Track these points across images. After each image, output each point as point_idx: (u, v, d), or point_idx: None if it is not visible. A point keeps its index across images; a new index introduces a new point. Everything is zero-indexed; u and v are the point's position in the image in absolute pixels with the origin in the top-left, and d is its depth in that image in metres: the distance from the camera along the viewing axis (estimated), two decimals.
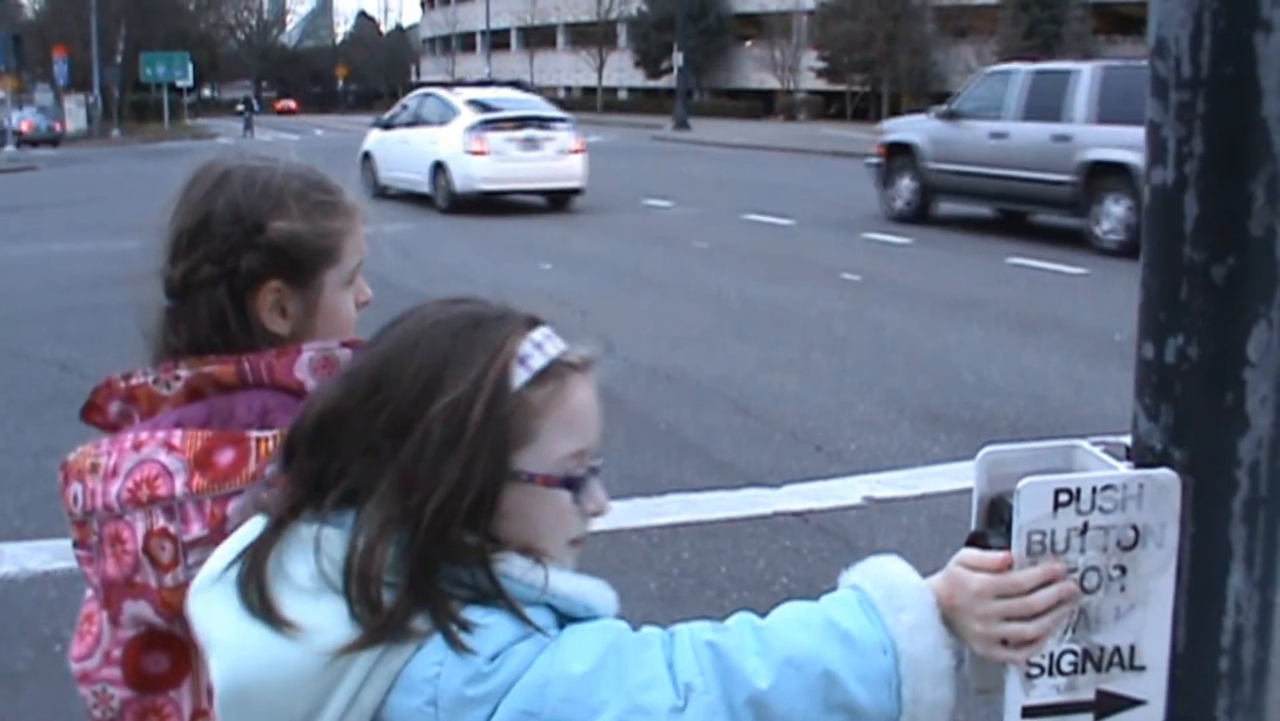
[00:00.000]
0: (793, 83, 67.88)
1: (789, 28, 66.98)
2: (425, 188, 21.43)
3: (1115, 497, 1.37)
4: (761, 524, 6.41)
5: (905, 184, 19.66)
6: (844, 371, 9.72)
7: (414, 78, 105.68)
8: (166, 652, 1.77)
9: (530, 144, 20.94)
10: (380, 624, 1.28)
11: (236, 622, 1.33)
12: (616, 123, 58.66)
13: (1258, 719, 1.43)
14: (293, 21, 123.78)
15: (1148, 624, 1.40)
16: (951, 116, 19.02)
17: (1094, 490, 1.37)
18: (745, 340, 10.91)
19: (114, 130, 62.50)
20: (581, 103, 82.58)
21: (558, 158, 21.16)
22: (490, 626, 1.30)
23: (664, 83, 71.11)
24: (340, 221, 1.88)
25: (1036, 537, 1.37)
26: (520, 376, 1.37)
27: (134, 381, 1.81)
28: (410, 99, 24.33)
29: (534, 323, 1.42)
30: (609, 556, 5.90)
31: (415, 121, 22.49)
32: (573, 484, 1.39)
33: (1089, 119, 16.29)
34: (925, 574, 1.44)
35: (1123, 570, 1.39)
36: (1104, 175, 15.83)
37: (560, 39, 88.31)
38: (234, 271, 1.80)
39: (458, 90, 24.17)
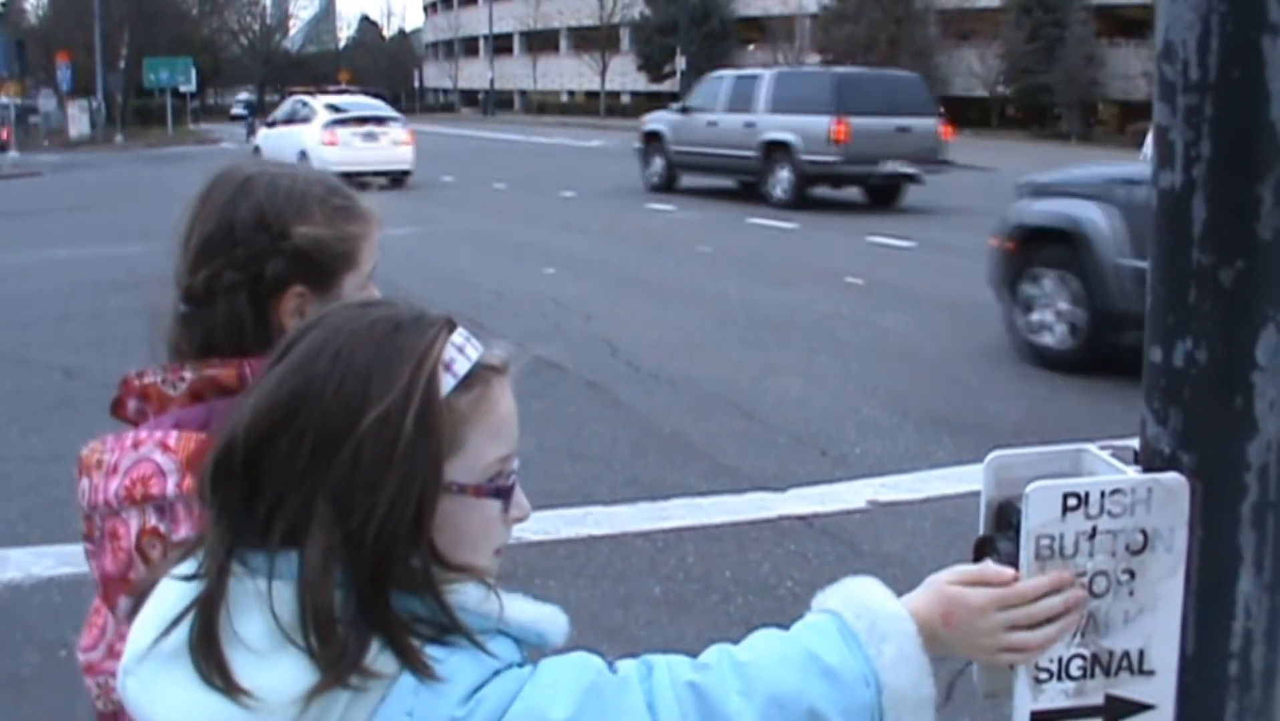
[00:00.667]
0: None
1: (792, 31, 66.89)
2: None
3: (1124, 502, 1.37)
4: (766, 528, 6.40)
5: (658, 162, 25.82)
6: (848, 375, 9.72)
7: (417, 82, 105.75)
8: None
9: (370, 136, 27.13)
10: (336, 658, 1.20)
11: (188, 698, 1.24)
12: (619, 126, 58.57)
13: None
14: (295, 26, 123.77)
15: (1157, 628, 1.40)
16: (685, 110, 25.31)
17: (1103, 494, 1.37)
18: (748, 344, 10.90)
19: (117, 135, 62.49)
20: (584, 106, 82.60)
21: (391, 147, 27.17)
22: (457, 665, 1.23)
23: (667, 86, 70.96)
24: (358, 226, 1.90)
25: (1045, 542, 1.37)
26: (448, 383, 1.30)
27: (146, 380, 1.82)
28: (286, 104, 31.20)
29: (451, 324, 1.35)
30: (614, 561, 5.90)
31: (289, 120, 28.97)
32: (502, 493, 1.35)
33: (767, 110, 22.83)
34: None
35: (1131, 574, 1.39)
36: (775, 150, 22.50)
37: (563, 43, 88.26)
38: (258, 277, 1.80)
39: (319, 96, 30.76)
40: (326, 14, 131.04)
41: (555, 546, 6.02)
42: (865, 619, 1.36)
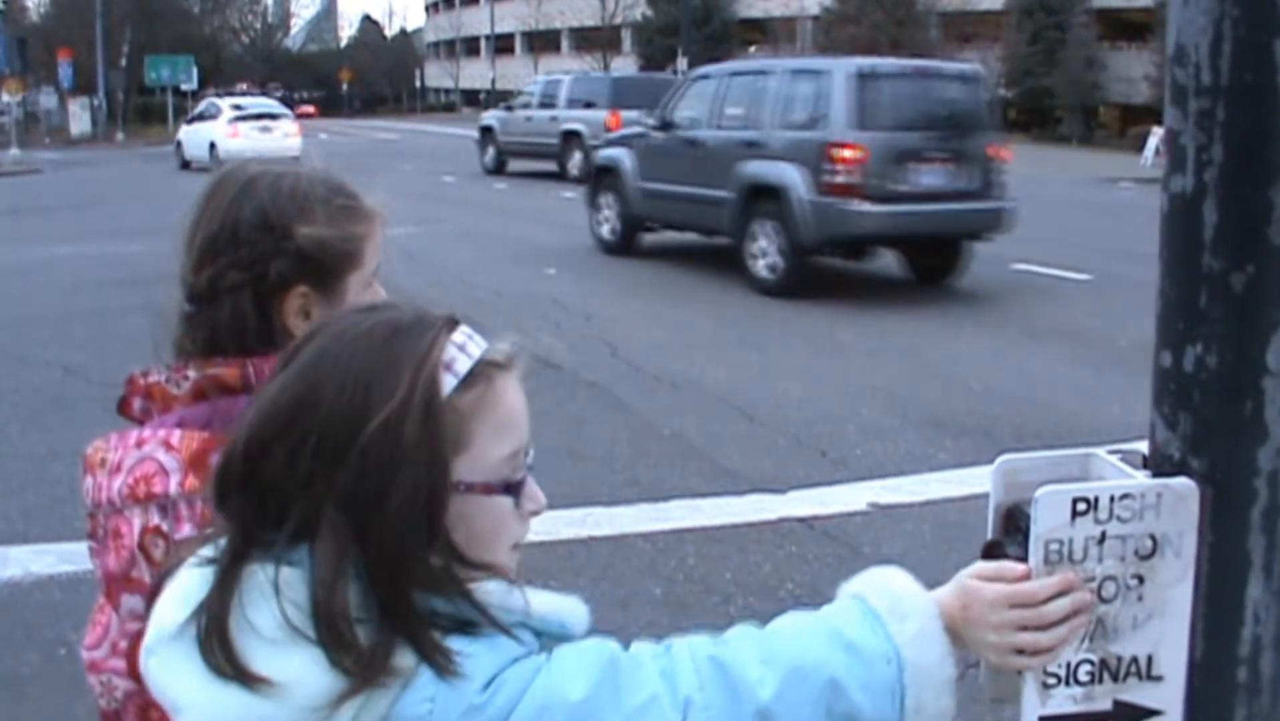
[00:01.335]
0: None
1: (793, 33, 66.91)
2: (207, 160, 31.65)
3: (1133, 506, 1.36)
4: (767, 530, 6.40)
5: (490, 150, 32.56)
6: (848, 378, 9.72)
7: (418, 82, 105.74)
8: None
9: (265, 130, 33.89)
10: (362, 664, 1.21)
11: (206, 684, 1.24)
12: None
13: None
14: (297, 25, 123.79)
15: (1165, 634, 1.39)
16: (509, 109, 32.51)
17: (1112, 499, 1.36)
18: (749, 346, 10.90)
19: (118, 133, 62.55)
20: None
21: (282, 138, 33.35)
22: (476, 654, 1.24)
23: None
24: (363, 226, 1.90)
25: (1054, 546, 1.36)
26: (449, 383, 1.30)
27: (150, 379, 1.83)
28: (200, 105, 38.94)
29: (453, 323, 1.35)
30: (614, 562, 5.90)
31: (202, 118, 36.06)
32: (512, 488, 1.35)
33: (567, 105, 28.88)
34: (929, 580, 1.43)
35: (1140, 579, 1.38)
36: (570, 138, 28.13)
37: (564, 43, 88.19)
38: (262, 277, 1.81)
39: (226, 99, 38.93)
40: (328, 13, 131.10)
41: (555, 547, 6.01)
42: (887, 599, 1.38)
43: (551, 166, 29.26)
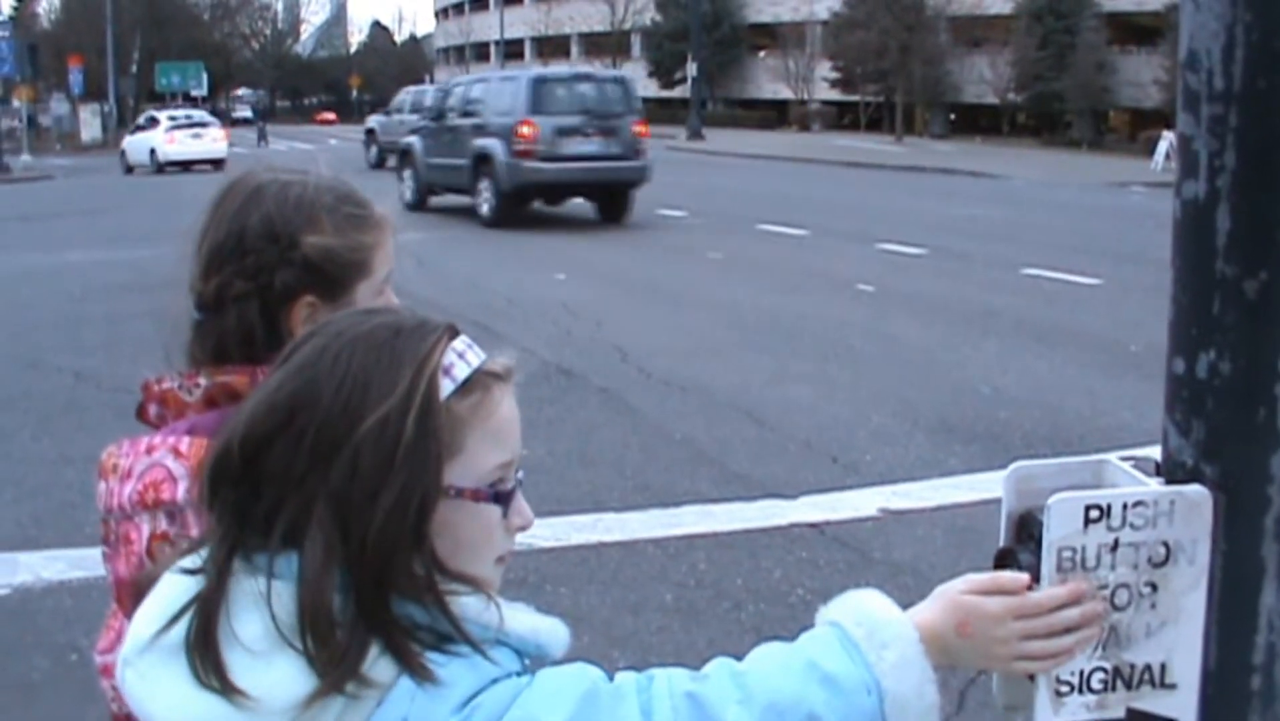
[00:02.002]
0: (807, 93, 67.85)
1: (803, 38, 66.95)
2: (149, 164, 39.10)
3: (1146, 514, 1.36)
4: (777, 535, 6.39)
5: (374, 149, 36.65)
6: (859, 383, 9.71)
7: (428, 87, 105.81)
8: None
9: (196, 136, 39.50)
10: (335, 662, 1.20)
11: (184, 695, 1.24)
12: None
13: None
14: (307, 31, 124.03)
15: (1179, 641, 1.39)
16: (388, 113, 38.05)
17: (1125, 506, 1.36)
18: (760, 351, 10.90)
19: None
20: None
21: (210, 143, 39.13)
22: (452, 672, 1.23)
23: (678, 93, 71.05)
24: (371, 234, 1.89)
25: (1067, 554, 1.36)
26: (446, 387, 1.30)
27: (164, 385, 1.84)
28: (141, 118, 45.11)
29: (454, 331, 1.36)
30: (625, 567, 5.90)
31: (143, 128, 41.53)
32: (502, 498, 1.34)
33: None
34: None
35: (1154, 587, 1.38)
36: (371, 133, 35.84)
37: (574, 49, 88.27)
38: (268, 287, 1.81)
39: (164, 111, 44.59)
40: (338, 19, 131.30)
41: (566, 552, 6.01)
42: (865, 626, 1.36)
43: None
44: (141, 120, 43.76)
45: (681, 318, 12.48)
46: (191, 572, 1.30)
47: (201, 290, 1.83)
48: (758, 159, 41.29)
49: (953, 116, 63.54)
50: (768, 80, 71.83)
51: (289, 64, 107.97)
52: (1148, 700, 1.40)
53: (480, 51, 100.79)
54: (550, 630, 1.35)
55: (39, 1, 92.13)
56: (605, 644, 4.96)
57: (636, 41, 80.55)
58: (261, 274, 1.80)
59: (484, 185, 20.76)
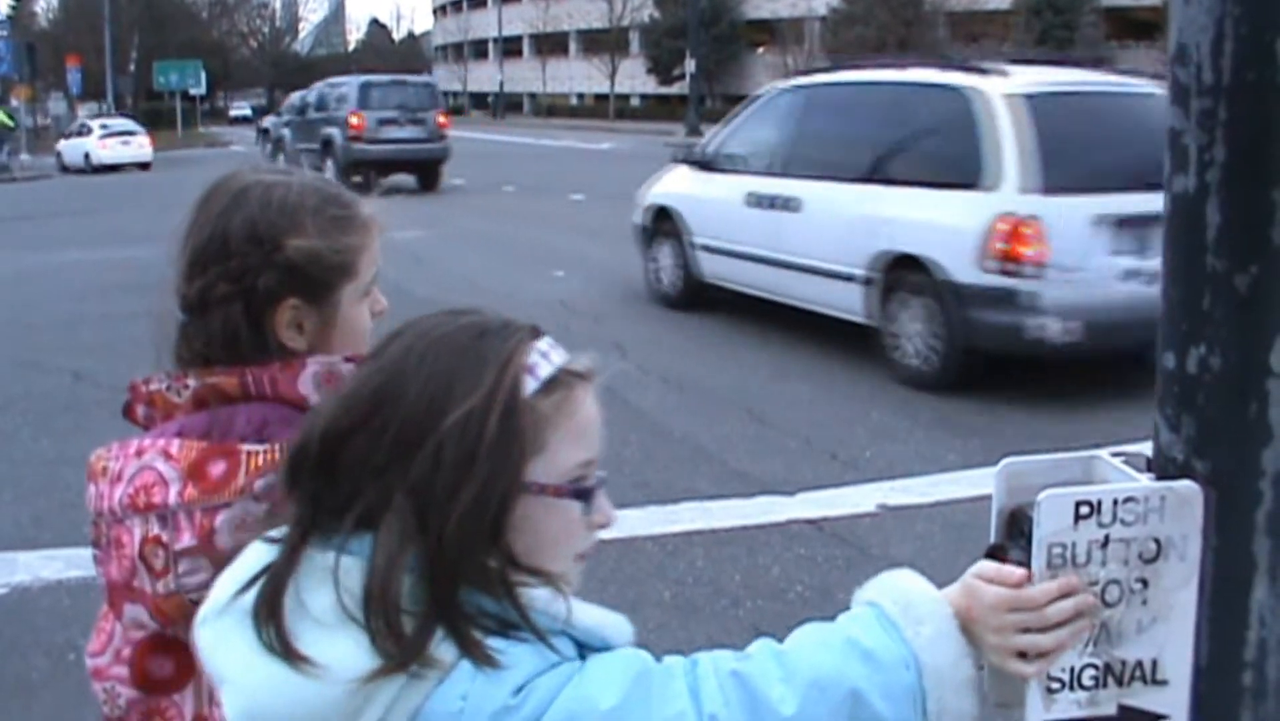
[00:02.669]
0: None
1: (801, 34, 66.91)
2: (84, 164, 42.11)
3: (1137, 510, 1.35)
4: (776, 532, 6.39)
5: (268, 147, 37.84)
6: (858, 379, 9.69)
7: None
8: (171, 656, 1.77)
9: (125, 142, 42.94)
10: (401, 651, 1.24)
11: (251, 658, 1.28)
12: (629, 129, 58.70)
13: None
14: (305, 29, 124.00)
15: (1170, 638, 1.39)
16: (279, 114, 38.64)
17: (1115, 502, 1.35)
18: (760, 347, 10.88)
19: None
20: (594, 109, 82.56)
21: (138, 148, 42.81)
22: (514, 656, 1.27)
23: (676, 89, 71.01)
24: (356, 236, 1.88)
25: (1057, 550, 1.35)
26: (530, 385, 1.34)
27: (152, 386, 1.83)
28: (75, 125, 48.11)
29: (537, 332, 1.40)
30: (623, 565, 5.89)
31: (78, 134, 44.64)
32: (583, 494, 1.37)
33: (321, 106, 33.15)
34: (940, 582, 1.43)
35: (1144, 583, 1.38)
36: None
37: (572, 46, 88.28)
38: (251, 290, 1.80)
39: (98, 119, 47.61)
40: (336, 17, 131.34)
41: None
42: (900, 604, 1.39)
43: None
44: (75, 126, 47.78)
45: (681, 315, 12.45)
46: (275, 542, 1.35)
47: (186, 292, 1.82)
48: None
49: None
50: (766, 76, 71.58)
51: (287, 62, 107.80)
52: (1139, 696, 1.40)
53: (478, 49, 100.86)
54: (616, 625, 1.38)
55: (37, 1, 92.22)
56: None
57: (635, 38, 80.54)
58: (245, 277, 1.79)
59: (329, 162, 27.10)
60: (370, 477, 1.30)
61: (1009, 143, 8.87)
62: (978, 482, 6.69)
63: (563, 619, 1.32)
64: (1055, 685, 1.38)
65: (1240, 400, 1.32)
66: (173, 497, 1.68)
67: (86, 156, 42.14)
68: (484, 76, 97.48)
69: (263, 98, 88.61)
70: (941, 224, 9.26)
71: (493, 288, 13.90)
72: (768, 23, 71.12)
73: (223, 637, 1.32)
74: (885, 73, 11.08)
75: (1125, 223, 8.57)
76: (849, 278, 10.07)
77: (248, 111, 69.93)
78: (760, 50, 73.14)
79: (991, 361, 9.13)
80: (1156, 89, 9.44)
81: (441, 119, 28.56)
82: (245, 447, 1.69)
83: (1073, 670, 1.38)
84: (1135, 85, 10.06)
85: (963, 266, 8.95)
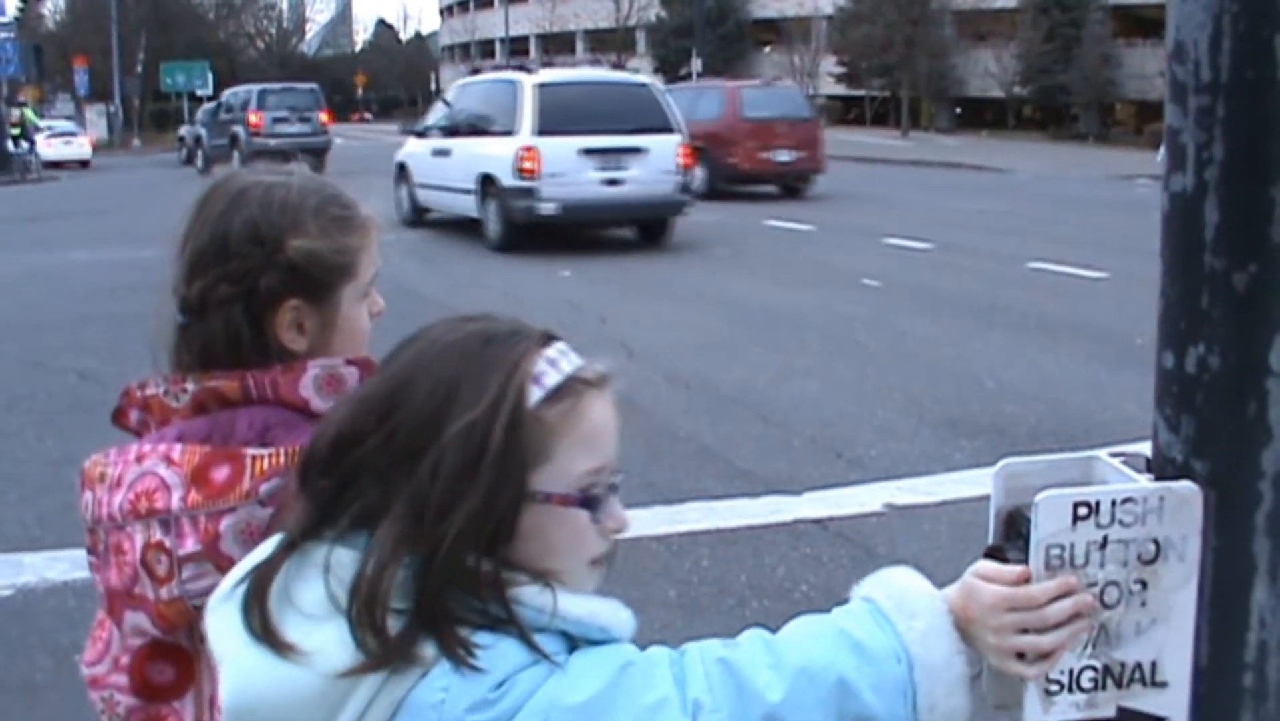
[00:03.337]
0: (812, 88, 67.72)
1: (808, 33, 66.87)
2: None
3: (1135, 511, 1.34)
4: (782, 531, 6.38)
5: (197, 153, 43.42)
6: (864, 378, 9.69)
7: (433, 85, 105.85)
8: (171, 663, 1.76)
9: (69, 143, 47.33)
10: (383, 650, 1.25)
11: (243, 643, 1.30)
12: None
13: None
14: (312, 30, 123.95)
15: (1169, 639, 1.38)
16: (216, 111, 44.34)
17: (1113, 503, 1.34)
18: (765, 347, 10.88)
19: (135, 140, 62.86)
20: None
21: (79, 148, 47.52)
22: (497, 651, 1.27)
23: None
24: (356, 237, 1.87)
25: (1055, 551, 1.35)
26: (535, 395, 1.33)
27: (148, 391, 1.81)
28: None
29: (548, 339, 1.38)
30: (628, 564, 5.88)
31: (25, 136, 44.99)
32: (590, 502, 1.36)
33: (241, 109, 38.25)
34: (946, 580, 1.42)
35: (1143, 584, 1.37)
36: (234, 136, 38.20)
37: (579, 45, 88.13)
38: (252, 291, 1.78)
39: (46, 123, 49.69)
40: (343, 17, 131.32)
41: None
42: (895, 597, 1.39)
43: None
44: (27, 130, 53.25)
45: (687, 314, 12.46)
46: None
47: (186, 294, 1.81)
48: None
49: (958, 110, 63.49)
50: (773, 75, 71.77)
51: (294, 63, 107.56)
52: (1138, 698, 1.39)
53: (485, 49, 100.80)
54: (611, 611, 1.37)
55: (44, 2, 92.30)
56: None
57: (642, 37, 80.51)
58: (246, 278, 1.78)
59: (235, 154, 33.27)
60: (374, 482, 1.31)
61: (527, 109, 17.13)
62: (984, 482, 6.60)
63: (549, 611, 1.31)
64: (1054, 687, 1.37)
65: (1239, 400, 1.31)
66: (175, 503, 1.67)
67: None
68: None
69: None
70: (500, 155, 17.19)
71: (497, 287, 13.90)
72: (774, 22, 71.11)
73: (224, 621, 1.34)
74: (489, 74, 20.44)
75: (590, 151, 16.99)
76: (468, 191, 18.03)
77: None
78: (767, 49, 73.12)
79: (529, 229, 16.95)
80: (634, 78, 19.85)
81: (324, 117, 36.75)
82: (249, 451, 1.67)
83: (1071, 672, 1.37)
84: (617, 76, 20.16)
85: (507, 176, 17.01)
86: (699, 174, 21.54)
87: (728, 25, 70.96)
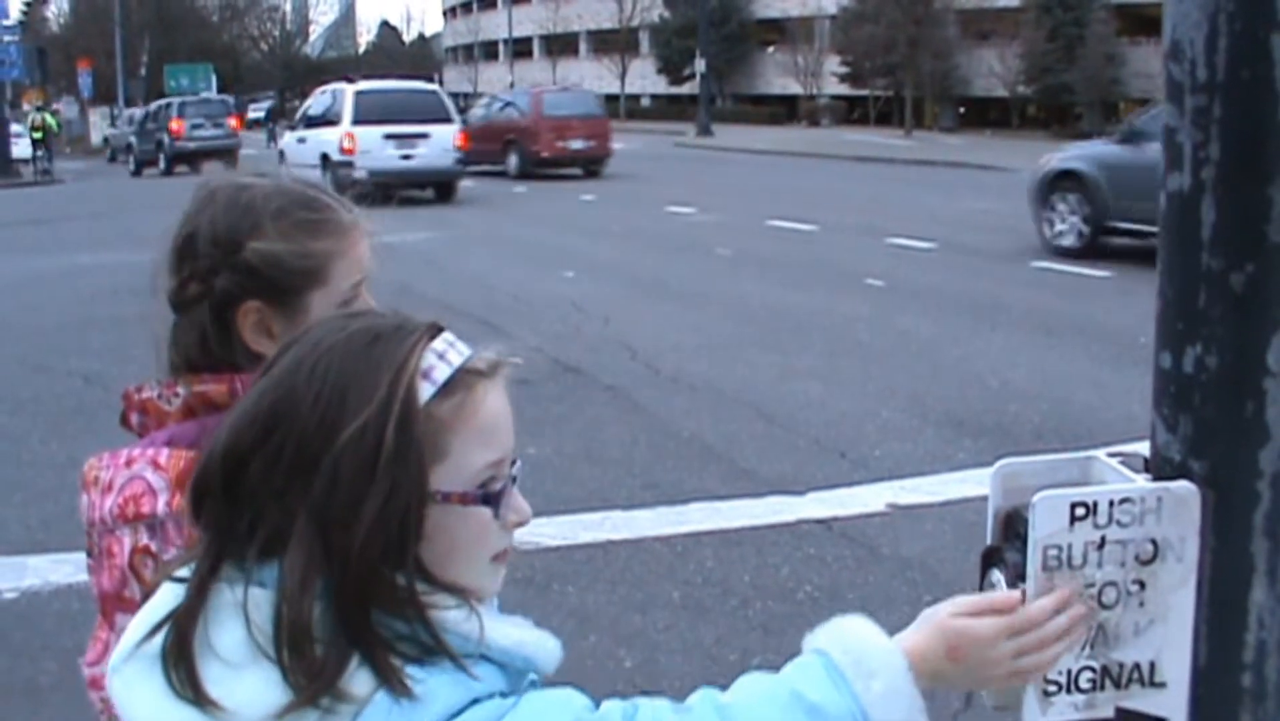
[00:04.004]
0: (815, 88, 67.74)
1: (811, 33, 66.87)
2: None
3: (1133, 511, 1.34)
4: (785, 531, 6.37)
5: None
6: (868, 377, 9.68)
7: (437, 86, 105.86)
8: None
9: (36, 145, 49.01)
10: (312, 681, 1.18)
11: (161, 704, 1.23)
12: (639, 129, 58.63)
13: None
14: (315, 32, 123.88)
15: (1168, 639, 1.37)
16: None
17: (1111, 503, 1.34)
18: (768, 347, 10.88)
19: None
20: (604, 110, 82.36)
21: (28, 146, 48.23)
22: (432, 687, 1.20)
23: (686, 89, 70.88)
24: (327, 241, 1.84)
25: (1053, 552, 1.34)
26: (426, 391, 1.27)
27: (144, 394, 1.82)
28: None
29: (435, 331, 1.32)
30: (632, 565, 5.89)
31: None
32: (491, 499, 1.31)
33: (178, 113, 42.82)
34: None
35: (1141, 585, 1.36)
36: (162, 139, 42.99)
37: (583, 46, 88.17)
38: (214, 291, 1.79)
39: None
40: (346, 19, 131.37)
41: (573, 551, 6.01)
42: (852, 655, 1.32)
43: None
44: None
45: (690, 314, 12.46)
46: (182, 581, 1.28)
47: (167, 290, 1.83)
48: (766, 154, 41.24)
49: (962, 110, 63.37)
50: (776, 75, 71.73)
51: (298, 65, 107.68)
52: (1137, 699, 1.39)
53: (489, 50, 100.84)
54: (537, 643, 1.32)
55: (48, 5, 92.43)
56: (612, 642, 4.95)
57: (645, 38, 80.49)
58: (208, 277, 1.79)
59: (160, 155, 39.24)
60: (272, 501, 1.23)
61: (347, 107, 25.34)
62: (987, 481, 6.65)
63: (475, 639, 1.26)
64: (1052, 688, 1.37)
65: (1237, 400, 1.31)
66: (161, 507, 1.67)
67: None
68: (494, 78, 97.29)
69: (274, 100, 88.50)
70: (331, 139, 25.09)
71: (502, 288, 13.90)
72: (778, 22, 71.07)
73: (131, 685, 1.27)
74: (337, 84, 27.78)
75: (390, 136, 24.87)
76: (315, 166, 24.08)
77: (261, 114, 70.11)
78: (770, 49, 73.11)
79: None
80: (425, 86, 29.55)
81: (233, 123, 41.75)
82: None
83: (1069, 673, 1.37)
84: (412, 85, 29.77)
85: (335, 154, 24.70)
86: (513, 160, 31.89)
87: (731, 25, 70.95)
